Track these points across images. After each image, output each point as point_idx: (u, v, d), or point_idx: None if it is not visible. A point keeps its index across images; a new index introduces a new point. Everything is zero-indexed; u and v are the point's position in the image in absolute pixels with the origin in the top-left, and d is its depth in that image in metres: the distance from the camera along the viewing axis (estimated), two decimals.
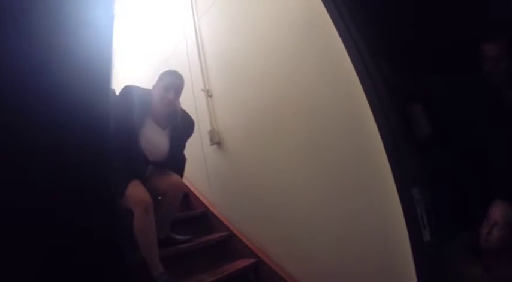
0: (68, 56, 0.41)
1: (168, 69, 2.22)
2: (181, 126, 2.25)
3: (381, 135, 1.57)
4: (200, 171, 3.02)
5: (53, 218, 0.38)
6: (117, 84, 2.15)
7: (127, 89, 2.06)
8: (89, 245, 0.41)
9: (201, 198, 2.97)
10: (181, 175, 2.35)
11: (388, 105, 1.55)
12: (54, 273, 0.38)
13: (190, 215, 2.80)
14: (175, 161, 2.28)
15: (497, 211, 1.53)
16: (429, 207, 1.44)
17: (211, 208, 2.84)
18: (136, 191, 1.92)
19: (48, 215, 0.38)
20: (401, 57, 1.85)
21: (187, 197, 3.09)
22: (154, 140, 2.14)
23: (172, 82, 2.13)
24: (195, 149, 3.05)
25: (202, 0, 2.95)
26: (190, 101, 3.01)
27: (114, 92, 2.07)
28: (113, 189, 0.47)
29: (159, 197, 2.19)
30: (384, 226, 1.64)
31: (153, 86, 2.14)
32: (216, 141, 2.76)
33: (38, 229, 0.37)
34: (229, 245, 2.57)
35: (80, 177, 0.41)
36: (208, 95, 2.83)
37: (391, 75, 1.63)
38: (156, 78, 2.16)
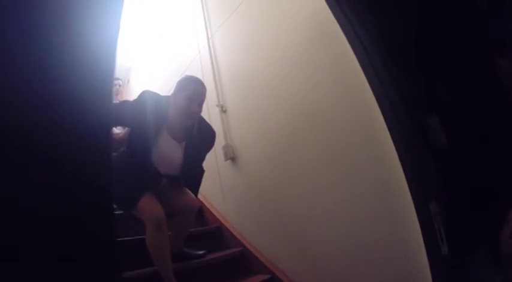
0: (70, 59, 0.41)
1: (188, 75, 2.08)
2: (199, 139, 2.11)
3: (395, 146, 1.56)
4: (214, 186, 3.02)
5: (46, 216, 0.38)
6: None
7: (144, 95, 1.92)
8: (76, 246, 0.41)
9: (215, 213, 2.97)
10: (198, 188, 2.28)
11: (402, 115, 1.53)
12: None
13: (204, 230, 2.79)
14: (190, 177, 2.21)
15: None
16: (447, 220, 1.41)
17: (225, 223, 2.83)
18: (149, 206, 1.87)
19: (40, 213, 0.38)
20: (416, 65, 1.84)
21: (202, 212, 3.09)
22: (169, 154, 2.02)
23: (197, 91, 1.97)
24: (209, 164, 3.05)
25: (216, 16, 3.02)
26: (204, 116, 3.04)
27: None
28: (107, 192, 0.46)
29: (172, 213, 2.14)
30: (401, 240, 1.60)
31: (173, 94, 1.97)
32: (231, 156, 2.77)
33: (30, 226, 0.37)
34: (244, 260, 2.54)
35: (75, 179, 0.41)
36: (223, 110, 2.85)
37: (405, 84, 1.62)
38: (175, 85, 2.01)
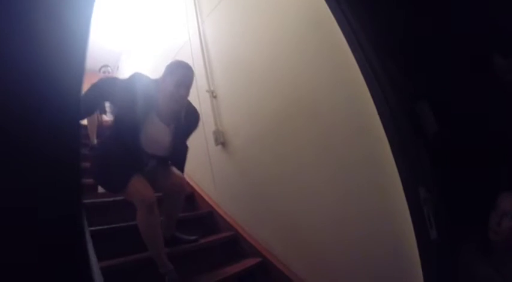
0: (38, 51, 0.40)
1: (177, 60, 2.10)
2: (186, 122, 2.14)
3: (386, 134, 1.57)
4: (205, 171, 3.03)
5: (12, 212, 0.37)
6: None
7: (135, 76, 1.94)
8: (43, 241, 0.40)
9: (206, 198, 2.98)
10: (183, 164, 2.27)
11: (394, 104, 1.54)
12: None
13: (195, 215, 2.81)
14: (177, 157, 2.22)
15: (506, 201, 1.51)
16: (437, 205, 1.44)
17: (216, 208, 2.85)
18: (140, 188, 1.87)
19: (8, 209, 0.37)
20: (407, 55, 1.85)
21: (193, 197, 3.10)
22: (157, 136, 2.02)
23: (185, 76, 1.99)
24: (200, 149, 3.06)
25: (207, 1, 2.97)
26: (194, 102, 3.02)
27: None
28: (78, 187, 0.44)
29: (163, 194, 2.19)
30: (391, 225, 1.63)
31: (162, 79, 1.99)
32: (221, 141, 2.77)
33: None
34: (235, 244, 2.57)
35: (44, 173, 0.40)
36: (213, 95, 2.84)
37: (396, 73, 1.63)
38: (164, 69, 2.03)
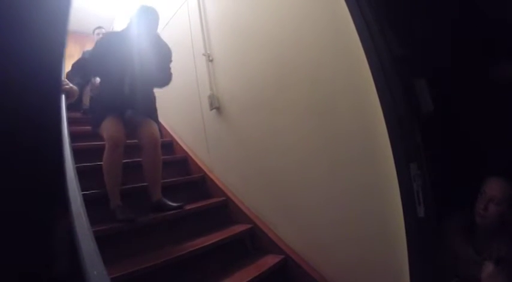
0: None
1: (140, 6, 2.32)
2: (155, 53, 2.34)
3: (382, 107, 1.55)
4: (199, 135, 3.01)
5: None
6: None
7: (104, 36, 2.44)
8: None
9: (199, 163, 2.99)
10: (154, 113, 2.51)
11: (392, 78, 1.51)
12: None
13: (188, 180, 2.82)
14: (145, 104, 2.40)
15: (493, 186, 1.52)
16: (426, 183, 1.44)
17: (208, 173, 2.86)
18: (110, 126, 2.16)
19: None
20: (411, 30, 1.80)
21: (186, 161, 3.11)
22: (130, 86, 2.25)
23: (149, 19, 2.28)
24: (194, 113, 3.03)
25: None
26: (190, 65, 2.96)
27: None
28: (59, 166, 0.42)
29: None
30: (380, 198, 1.65)
31: (129, 24, 2.30)
32: (216, 106, 2.74)
33: None
34: (226, 210, 2.60)
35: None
36: (209, 59, 2.77)
37: (397, 47, 1.59)
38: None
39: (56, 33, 0.42)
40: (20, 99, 0.37)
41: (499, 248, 1.46)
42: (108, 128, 2.14)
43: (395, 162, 1.52)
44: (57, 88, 0.46)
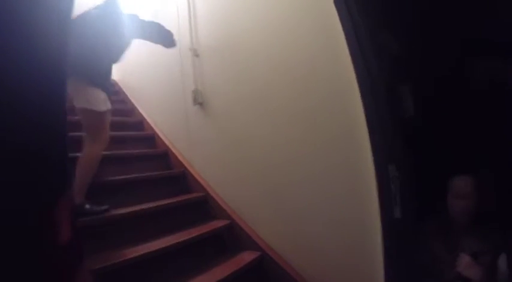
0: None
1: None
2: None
3: (365, 110, 1.59)
4: (181, 130, 2.99)
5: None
6: None
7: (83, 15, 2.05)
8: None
9: (180, 157, 2.97)
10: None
11: (376, 83, 1.54)
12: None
13: (168, 174, 2.80)
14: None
15: (460, 183, 1.63)
16: (404, 185, 1.48)
17: (189, 167, 2.85)
18: (107, 127, 2.14)
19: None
20: (398, 33, 1.85)
21: (167, 156, 3.08)
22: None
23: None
24: (177, 107, 3.01)
25: None
26: (176, 59, 2.94)
27: None
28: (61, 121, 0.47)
29: None
30: (359, 199, 1.68)
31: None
32: (199, 101, 2.72)
33: None
34: (205, 205, 2.59)
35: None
36: (195, 54, 2.75)
37: (384, 50, 1.63)
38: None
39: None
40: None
41: (471, 243, 1.53)
42: (107, 127, 2.13)
43: (375, 164, 1.55)
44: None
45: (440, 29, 1.95)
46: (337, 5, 1.66)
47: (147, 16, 2.48)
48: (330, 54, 1.79)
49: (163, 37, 2.39)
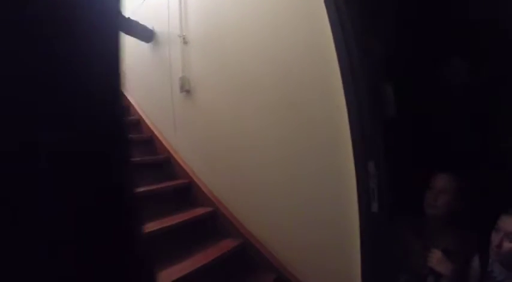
0: None
1: None
2: None
3: (348, 109, 1.64)
4: (167, 116, 3.00)
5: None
6: None
7: None
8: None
9: (165, 143, 2.98)
10: None
11: (360, 80, 1.59)
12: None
13: (153, 160, 2.82)
14: None
15: (441, 180, 1.70)
16: (382, 181, 1.55)
17: (174, 154, 2.87)
18: None
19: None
20: (384, 34, 1.90)
21: (152, 141, 3.09)
22: None
23: None
24: (164, 93, 3.01)
25: None
26: (164, 45, 2.93)
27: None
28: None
29: None
30: (338, 193, 1.75)
31: None
32: (186, 88, 2.73)
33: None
34: (189, 192, 2.63)
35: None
36: (184, 41, 2.75)
37: (370, 49, 1.67)
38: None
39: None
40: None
41: (445, 239, 1.62)
42: None
43: (355, 161, 1.62)
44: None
45: (419, 31, 2.03)
46: (327, 4, 1.69)
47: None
48: (317, 55, 1.83)
49: (141, 33, 2.38)
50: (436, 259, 1.55)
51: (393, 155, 1.63)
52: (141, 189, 2.27)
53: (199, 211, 2.39)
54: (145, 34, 2.40)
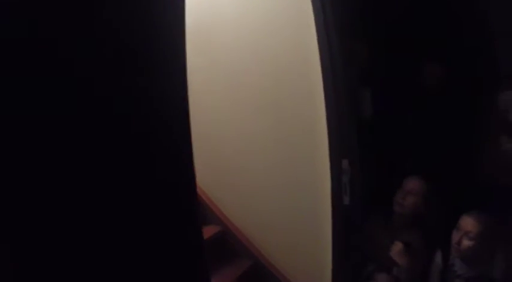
0: None
1: None
2: None
3: (326, 108, 1.76)
4: None
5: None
6: None
7: None
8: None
9: None
10: None
11: (340, 83, 1.71)
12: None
13: None
14: None
15: (411, 182, 1.84)
16: (354, 177, 1.69)
17: None
18: None
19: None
20: (366, 38, 1.99)
21: None
22: None
23: None
24: None
25: None
26: None
27: None
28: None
29: None
30: (314, 187, 1.88)
31: None
32: None
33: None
34: None
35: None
36: None
37: (351, 53, 1.78)
38: None
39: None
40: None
41: (408, 235, 1.76)
42: None
43: (330, 158, 1.75)
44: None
45: (398, 36, 2.13)
46: (314, 4, 1.78)
47: None
48: (301, 54, 1.92)
49: None
50: (397, 250, 1.70)
51: (368, 154, 1.75)
52: None
53: None
54: None
